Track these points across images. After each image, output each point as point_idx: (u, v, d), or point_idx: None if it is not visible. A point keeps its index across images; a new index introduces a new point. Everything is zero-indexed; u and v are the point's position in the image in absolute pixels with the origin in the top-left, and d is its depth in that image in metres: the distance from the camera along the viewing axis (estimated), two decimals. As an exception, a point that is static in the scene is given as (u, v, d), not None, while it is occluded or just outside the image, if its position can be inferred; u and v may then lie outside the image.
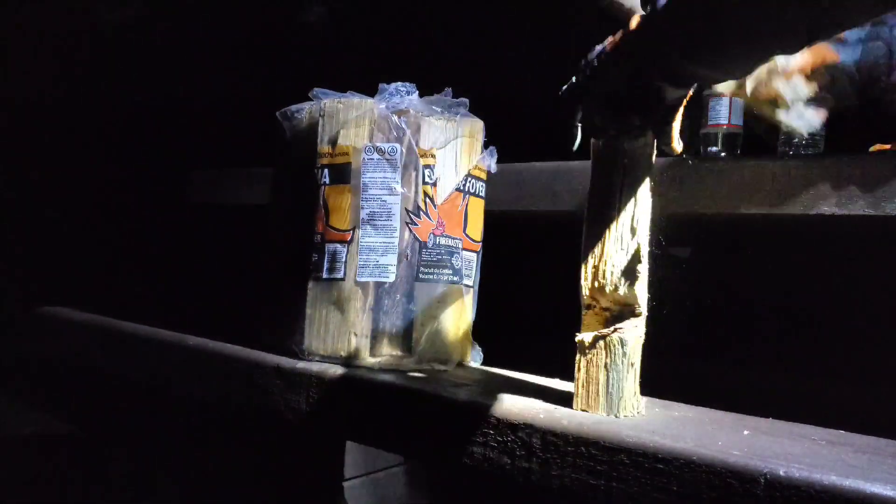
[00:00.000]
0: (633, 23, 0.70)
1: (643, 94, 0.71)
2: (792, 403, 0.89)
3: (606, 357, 0.81)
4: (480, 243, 1.14)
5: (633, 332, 0.81)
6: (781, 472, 0.61)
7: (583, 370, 0.82)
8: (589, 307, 0.84)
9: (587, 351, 0.82)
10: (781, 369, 1.07)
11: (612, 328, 0.81)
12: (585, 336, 0.82)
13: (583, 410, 0.82)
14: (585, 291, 0.84)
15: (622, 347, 0.81)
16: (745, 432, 0.77)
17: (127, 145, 1.98)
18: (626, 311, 0.82)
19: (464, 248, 1.10)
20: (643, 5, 0.70)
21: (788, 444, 0.71)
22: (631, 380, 0.82)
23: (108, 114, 1.97)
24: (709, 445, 0.68)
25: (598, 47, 0.75)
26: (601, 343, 0.81)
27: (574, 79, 0.78)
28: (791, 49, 0.63)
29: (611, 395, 0.81)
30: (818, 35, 0.58)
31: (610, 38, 0.74)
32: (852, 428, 0.81)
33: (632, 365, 0.81)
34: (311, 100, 1.11)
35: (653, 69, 0.69)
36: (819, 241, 1.14)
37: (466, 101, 1.09)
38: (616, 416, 0.81)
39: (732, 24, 0.60)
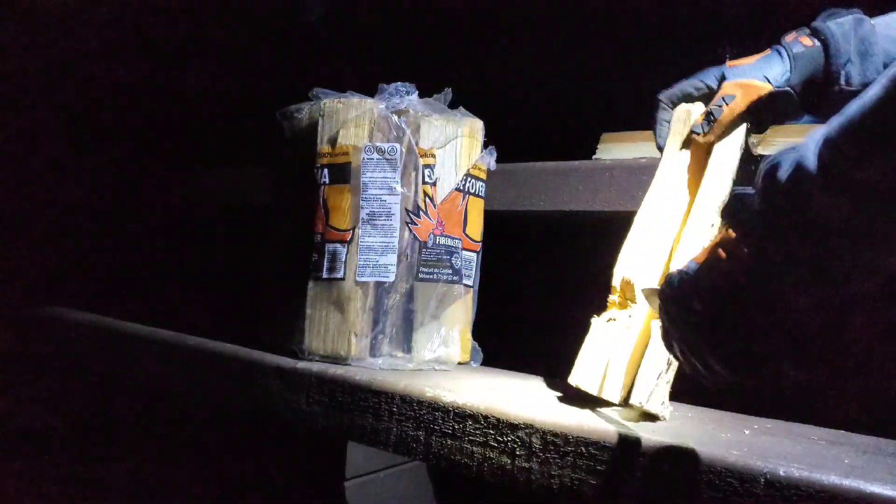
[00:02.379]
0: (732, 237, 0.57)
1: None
2: (792, 403, 0.89)
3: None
4: (480, 243, 1.14)
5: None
6: (781, 472, 0.61)
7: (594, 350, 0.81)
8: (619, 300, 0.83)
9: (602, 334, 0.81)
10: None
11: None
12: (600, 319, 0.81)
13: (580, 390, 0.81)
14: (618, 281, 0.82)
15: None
16: (746, 432, 0.77)
17: (126, 145, 1.98)
18: None
19: (464, 248, 1.10)
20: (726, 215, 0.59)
21: (788, 444, 0.71)
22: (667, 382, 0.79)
23: (108, 113, 1.96)
24: (709, 445, 0.68)
25: (691, 263, 0.61)
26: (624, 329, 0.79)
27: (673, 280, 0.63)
28: None
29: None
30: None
31: (706, 248, 0.60)
32: (852, 428, 0.81)
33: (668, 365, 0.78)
34: (311, 100, 1.11)
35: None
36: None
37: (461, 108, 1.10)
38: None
39: None
